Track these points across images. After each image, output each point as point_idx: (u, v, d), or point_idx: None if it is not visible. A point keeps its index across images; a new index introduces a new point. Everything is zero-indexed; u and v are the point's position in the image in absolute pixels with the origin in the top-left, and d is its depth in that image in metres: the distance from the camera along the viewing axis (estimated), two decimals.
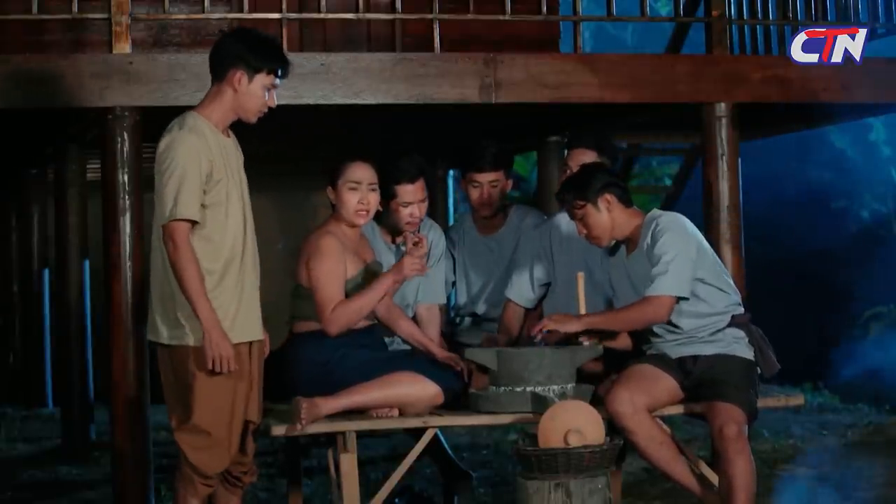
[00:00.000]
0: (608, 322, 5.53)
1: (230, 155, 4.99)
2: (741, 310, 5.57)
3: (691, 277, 5.40)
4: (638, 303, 5.44)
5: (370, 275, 5.58)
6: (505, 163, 6.20)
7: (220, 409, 4.92)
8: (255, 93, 4.94)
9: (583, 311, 5.58)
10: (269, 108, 5.02)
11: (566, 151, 6.11)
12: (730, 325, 5.52)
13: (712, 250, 5.63)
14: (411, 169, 5.87)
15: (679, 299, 5.40)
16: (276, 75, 4.96)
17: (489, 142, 6.21)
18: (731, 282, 5.61)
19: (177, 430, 4.97)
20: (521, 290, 6.16)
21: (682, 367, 5.49)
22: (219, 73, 4.96)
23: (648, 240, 5.45)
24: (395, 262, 5.63)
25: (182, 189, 4.81)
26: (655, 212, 5.61)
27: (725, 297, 5.51)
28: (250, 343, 5.01)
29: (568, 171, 5.96)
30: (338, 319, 5.43)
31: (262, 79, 4.93)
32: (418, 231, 5.91)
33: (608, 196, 5.49)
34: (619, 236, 5.57)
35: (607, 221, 5.51)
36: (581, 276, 5.65)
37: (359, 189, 5.53)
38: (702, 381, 5.44)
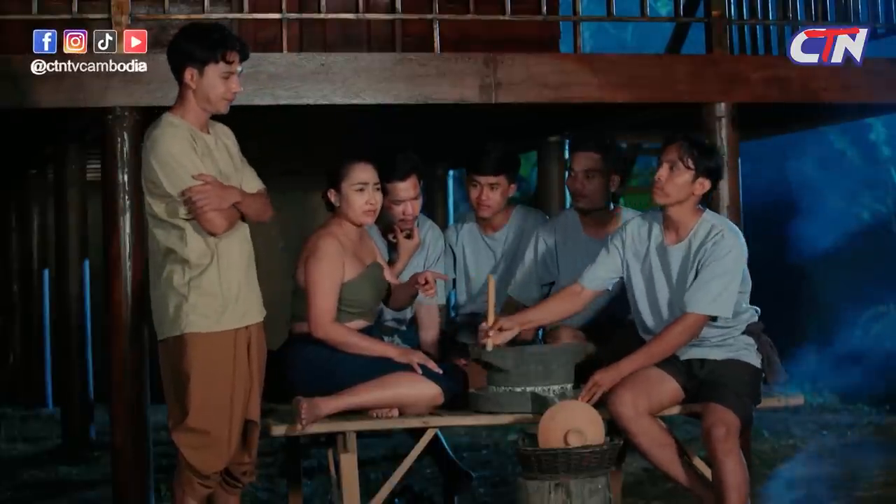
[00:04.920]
0: (647, 361, 5.42)
1: (210, 149, 4.98)
2: (756, 318, 5.57)
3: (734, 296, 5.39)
4: (677, 323, 5.36)
5: (369, 277, 5.59)
6: (507, 168, 6.17)
7: (217, 407, 4.91)
8: (212, 84, 4.92)
9: (491, 316, 5.50)
10: (236, 94, 4.97)
11: (570, 154, 6.07)
12: (742, 332, 5.51)
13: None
14: (403, 166, 5.88)
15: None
16: (227, 61, 4.91)
17: (496, 145, 6.19)
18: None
19: (174, 429, 4.96)
20: (526, 289, 6.14)
21: (688, 370, 5.47)
22: (177, 76, 4.98)
23: (707, 244, 5.35)
24: (406, 345, 5.73)
25: (175, 172, 4.83)
26: (711, 214, 5.52)
27: (747, 307, 5.50)
28: (247, 327, 4.99)
29: (574, 176, 5.94)
30: (329, 333, 5.43)
31: (213, 69, 4.91)
32: (416, 225, 5.93)
33: (705, 183, 5.41)
34: (672, 210, 5.42)
35: (683, 195, 5.38)
36: (492, 278, 5.60)
37: (365, 190, 5.54)
38: (705, 382, 5.43)
